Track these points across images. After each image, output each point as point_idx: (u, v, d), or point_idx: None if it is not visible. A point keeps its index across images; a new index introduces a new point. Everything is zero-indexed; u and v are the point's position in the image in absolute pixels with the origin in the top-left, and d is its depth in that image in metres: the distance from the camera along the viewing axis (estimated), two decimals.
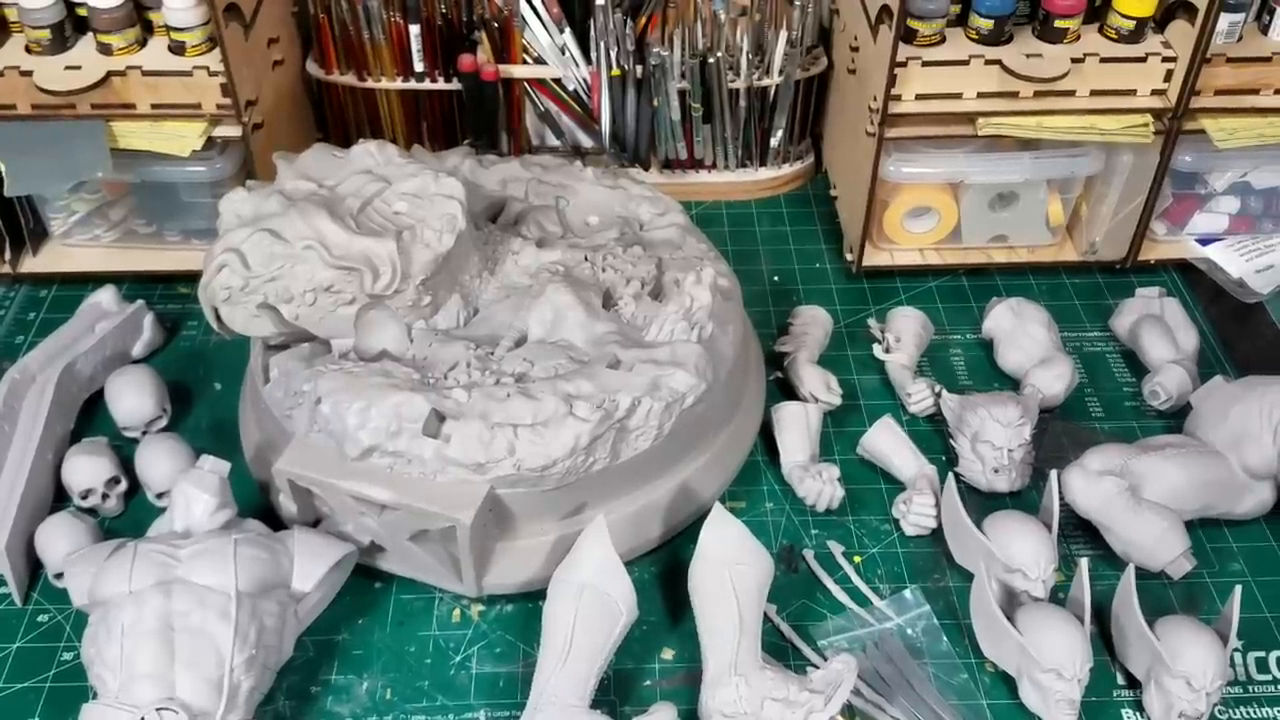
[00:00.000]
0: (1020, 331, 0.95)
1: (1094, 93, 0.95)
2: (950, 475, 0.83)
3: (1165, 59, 0.94)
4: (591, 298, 0.81)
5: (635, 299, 0.83)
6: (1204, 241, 1.07)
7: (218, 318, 0.78)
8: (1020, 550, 0.77)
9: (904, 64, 0.93)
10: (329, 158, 0.83)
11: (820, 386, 0.91)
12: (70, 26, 0.94)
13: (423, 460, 0.72)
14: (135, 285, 1.03)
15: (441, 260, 0.78)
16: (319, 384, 0.74)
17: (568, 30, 1.06)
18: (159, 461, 0.83)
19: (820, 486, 0.83)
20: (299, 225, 0.75)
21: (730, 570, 0.72)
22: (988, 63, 0.94)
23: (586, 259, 0.86)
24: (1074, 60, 0.94)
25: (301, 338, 0.80)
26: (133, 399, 0.88)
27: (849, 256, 1.06)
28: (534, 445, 0.72)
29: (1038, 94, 0.94)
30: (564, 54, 1.07)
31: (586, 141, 1.15)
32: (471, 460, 0.71)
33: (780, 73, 1.08)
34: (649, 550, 0.81)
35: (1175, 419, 0.92)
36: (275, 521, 0.78)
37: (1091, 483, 0.80)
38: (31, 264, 1.04)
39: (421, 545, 0.76)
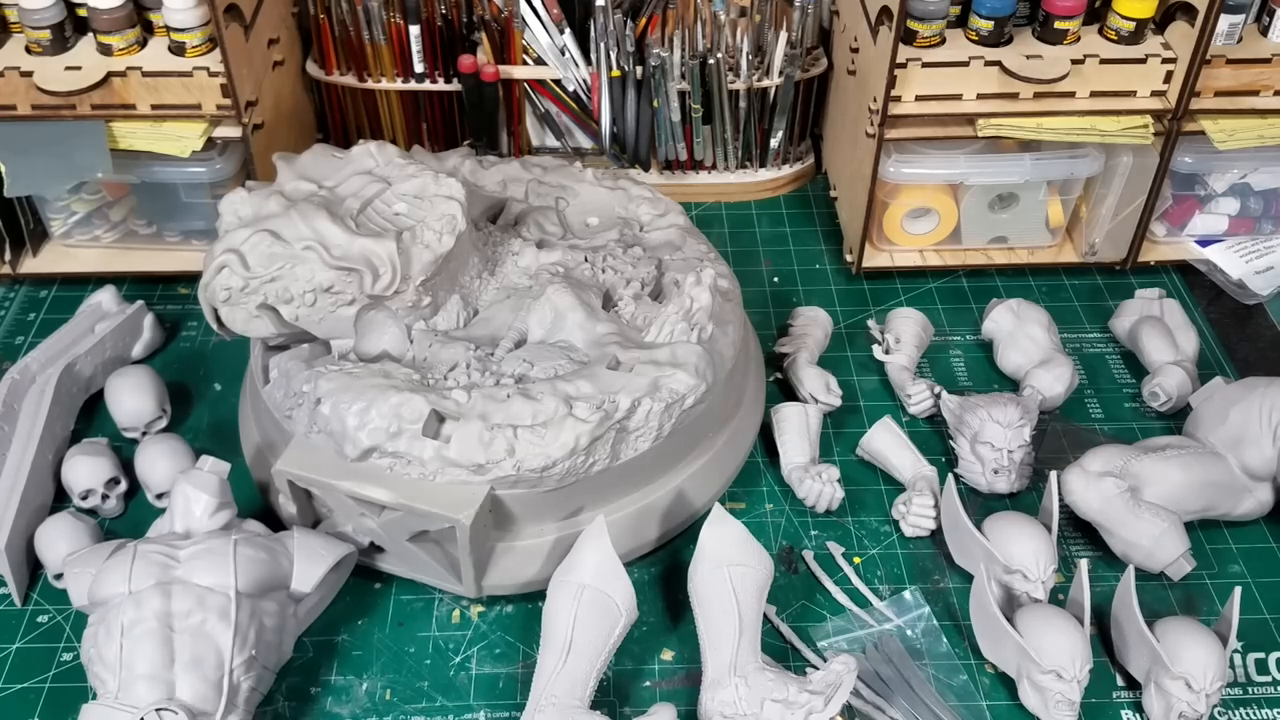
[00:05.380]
0: (1020, 333, 0.95)
1: (1094, 94, 0.95)
2: (950, 476, 0.83)
3: (1165, 60, 0.94)
4: (591, 299, 0.81)
5: (635, 300, 0.83)
6: (1204, 243, 1.07)
7: (217, 318, 0.78)
8: (1020, 551, 0.77)
9: (904, 65, 0.93)
10: (329, 158, 0.83)
11: (820, 387, 0.91)
12: (70, 27, 0.94)
13: (422, 461, 0.72)
14: (135, 286, 1.03)
15: (441, 261, 0.78)
16: (319, 385, 0.74)
17: (567, 31, 1.06)
18: (159, 462, 0.83)
19: (820, 487, 0.83)
20: (299, 226, 0.75)
21: (730, 571, 0.72)
22: (988, 64, 0.94)
23: (586, 260, 0.86)
24: (1074, 61, 0.94)
25: (301, 338, 0.80)
26: (132, 400, 0.88)
27: (849, 257, 1.06)
28: (534, 446, 0.72)
29: (1038, 95, 0.94)
30: (564, 55, 1.07)
31: (586, 142, 1.15)
32: (471, 461, 0.71)
33: (780, 74, 1.08)
34: (649, 551, 0.81)
35: (1175, 420, 0.92)
36: (275, 522, 0.78)
37: (1091, 484, 0.80)
38: (31, 264, 1.04)
39: (421, 546, 0.76)
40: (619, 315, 0.82)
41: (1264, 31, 0.97)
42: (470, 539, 0.72)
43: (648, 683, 0.75)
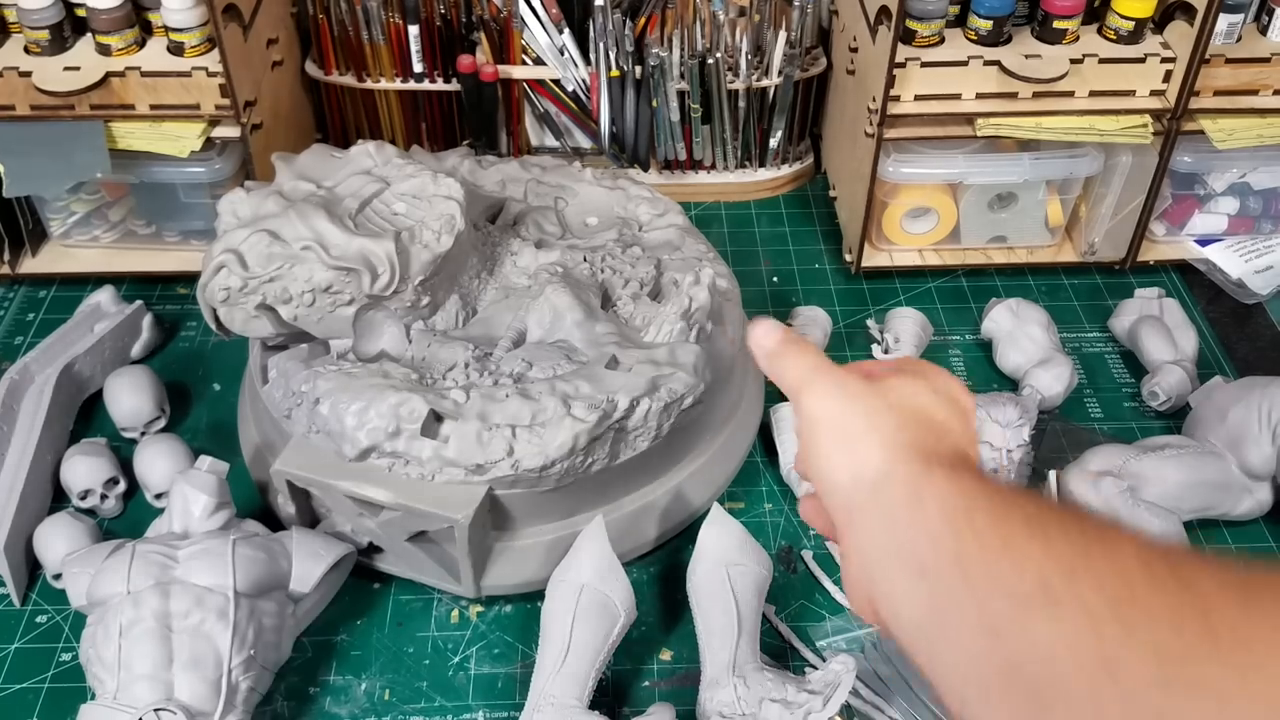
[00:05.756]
0: (1019, 332, 0.95)
1: (1093, 93, 0.95)
2: None
3: (1164, 60, 0.94)
4: (590, 298, 0.81)
5: (634, 299, 0.83)
6: (1203, 242, 1.07)
7: (216, 319, 0.78)
8: None
9: (903, 65, 0.93)
10: (327, 158, 0.83)
11: None
12: (69, 27, 0.94)
13: (421, 461, 0.72)
14: (134, 286, 1.03)
15: (440, 261, 0.78)
16: (317, 384, 0.74)
17: (567, 31, 1.06)
18: (157, 462, 0.83)
19: None
20: (297, 226, 0.75)
21: (729, 571, 0.72)
22: (986, 63, 0.94)
23: (585, 260, 0.86)
24: (1073, 61, 0.94)
25: (300, 338, 0.79)
26: (131, 399, 0.88)
27: (848, 257, 1.06)
28: (532, 446, 0.71)
29: (1037, 95, 0.94)
30: (563, 55, 1.07)
31: (585, 142, 1.15)
32: (469, 461, 0.71)
33: (779, 74, 1.08)
34: (647, 551, 0.81)
35: (1174, 419, 0.92)
36: (274, 522, 0.78)
37: (1090, 483, 0.80)
38: (31, 264, 1.03)
39: (420, 546, 0.76)
40: (617, 315, 0.82)
41: (1263, 31, 0.97)
42: (468, 539, 0.72)
43: (646, 683, 0.75)
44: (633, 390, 0.74)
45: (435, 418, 0.72)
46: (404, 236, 0.77)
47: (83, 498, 0.83)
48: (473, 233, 0.84)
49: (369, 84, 1.09)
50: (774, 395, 0.93)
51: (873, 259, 1.05)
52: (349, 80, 1.09)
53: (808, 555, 0.82)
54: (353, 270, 0.75)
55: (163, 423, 0.90)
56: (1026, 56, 0.95)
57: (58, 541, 0.77)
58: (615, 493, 0.78)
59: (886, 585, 0.38)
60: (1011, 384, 0.95)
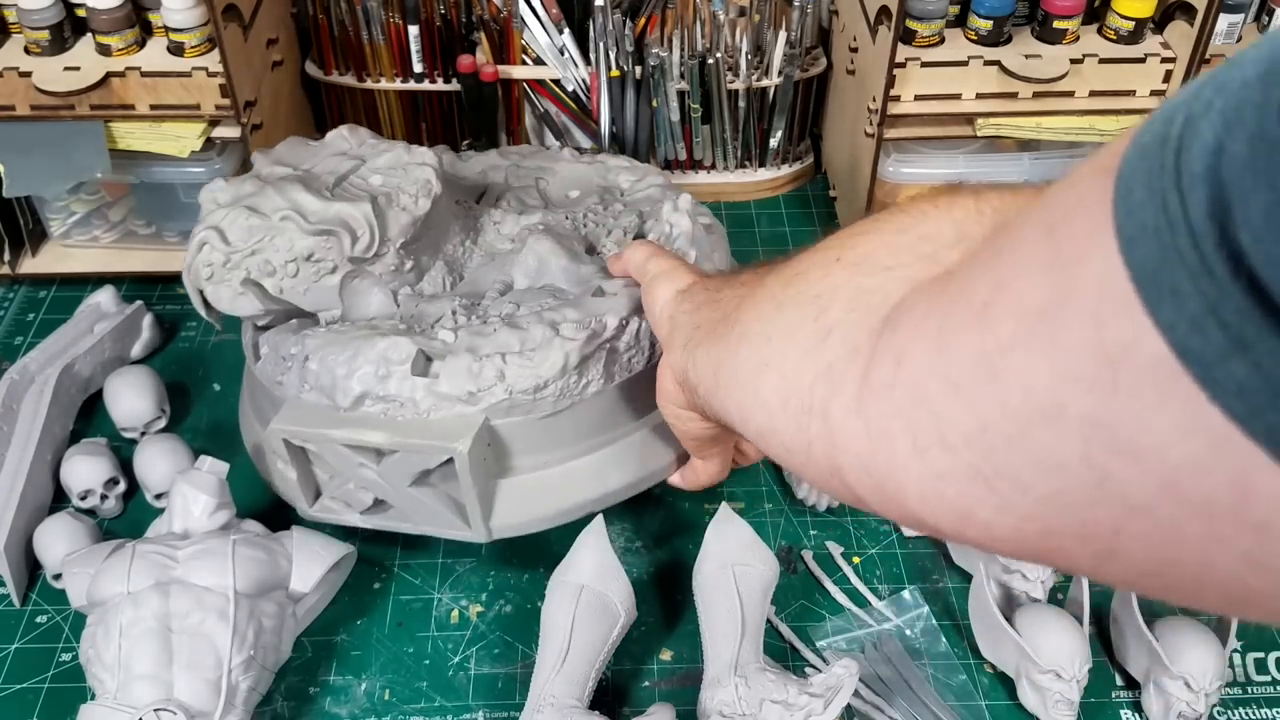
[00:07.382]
0: None
1: (1093, 93, 0.95)
2: None
3: (1164, 60, 0.94)
4: (574, 244, 0.81)
5: (618, 246, 0.83)
6: None
7: (204, 301, 0.77)
8: None
9: (903, 65, 0.93)
10: (303, 146, 0.83)
11: None
12: (69, 27, 0.94)
13: (415, 401, 0.70)
14: (134, 286, 1.03)
15: (419, 224, 0.77)
16: (306, 344, 0.73)
17: (567, 31, 1.06)
18: (158, 462, 0.83)
19: None
20: (275, 199, 0.75)
21: (735, 570, 0.72)
22: (987, 63, 0.94)
23: (568, 218, 0.86)
24: (1073, 61, 0.94)
25: (289, 316, 0.79)
26: (131, 400, 0.88)
27: None
28: (523, 369, 0.70)
29: (1037, 95, 0.94)
30: (563, 55, 1.07)
31: (586, 142, 1.15)
32: (462, 391, 0.70)
33: (779, 73, 1.08)
34: (664, 477, 0.78)
35: None
36: (274, 523, 0.78)
37: None
38: (30, 264, 1.03)
39: (424, 492, 0.73)
40: (602, 259, 0.82)
41: (1263, 31, 0.97)
42: (470, 470, 0.70)
43: (647, 683, 0.75)
44: (620, 310, 0.73)
45: (425, 358, 0.71)
46: (380, 201, 0.76)
47: (83, 498, 0.83)
48: (454, 205, 0.84)
49: (369, 84, 1.09)
50: None
51: None
52: (349, 80, 1.09)
53: (808, 555, 0.82)
54: (332, 233, 0.74)
55: (163, 423, 0.89)
56: (1026, 56, 0.95)
57: (58, 541, 0.77)
58: (617, 419, 0.76)
59: (686, 360, 0.60)
60: None
